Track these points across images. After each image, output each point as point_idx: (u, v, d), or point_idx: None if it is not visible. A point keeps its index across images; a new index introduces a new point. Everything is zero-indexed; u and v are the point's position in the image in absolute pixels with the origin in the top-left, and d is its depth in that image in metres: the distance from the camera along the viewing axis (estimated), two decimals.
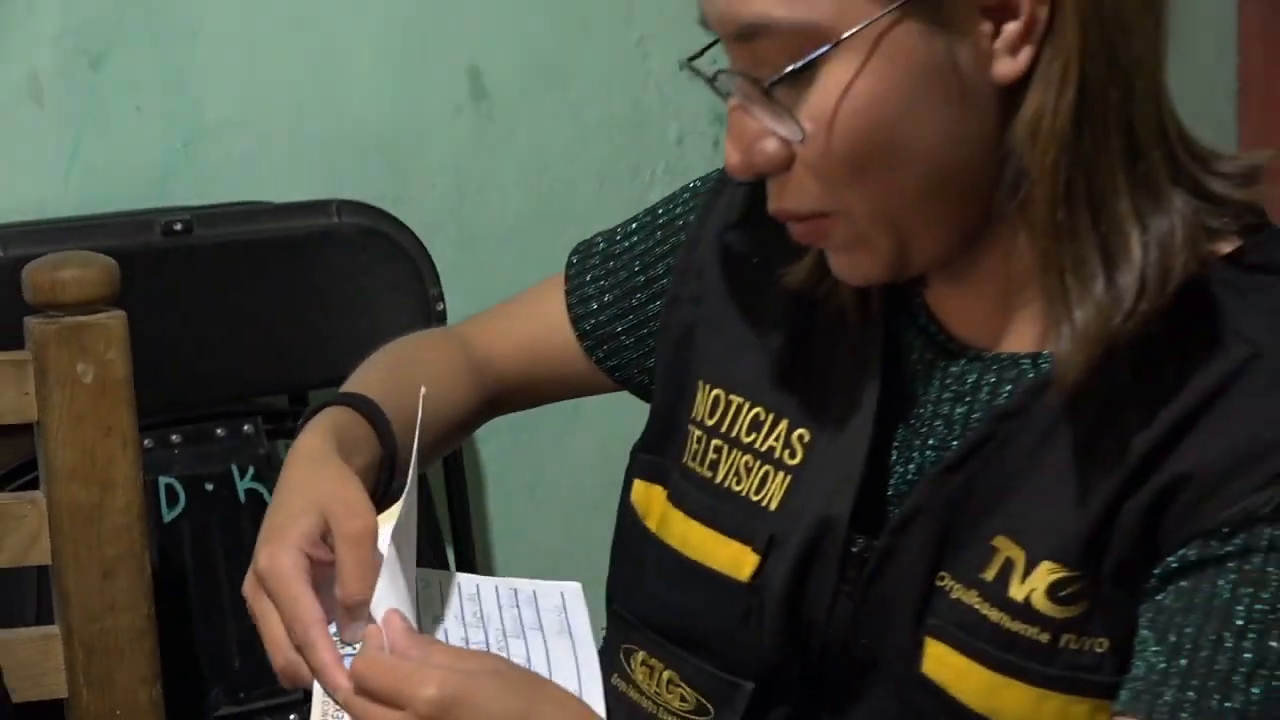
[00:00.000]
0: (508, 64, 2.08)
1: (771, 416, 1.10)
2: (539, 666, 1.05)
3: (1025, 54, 0.94)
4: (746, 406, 1.11)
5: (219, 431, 1.79)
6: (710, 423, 1.13)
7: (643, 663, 1.13)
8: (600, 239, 1.29)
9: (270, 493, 1.74)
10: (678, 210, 1.24)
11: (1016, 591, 0.99)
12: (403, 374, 1.24)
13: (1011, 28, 0.94)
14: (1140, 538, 0.96)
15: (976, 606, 1.00)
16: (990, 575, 1.00)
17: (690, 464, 1.13)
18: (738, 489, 1.10)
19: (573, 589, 1.12)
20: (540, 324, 1.30)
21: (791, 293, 1.10)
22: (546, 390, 1.34)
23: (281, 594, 1.00)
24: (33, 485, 1.48)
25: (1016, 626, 0.99)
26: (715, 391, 1.13)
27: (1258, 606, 0.92)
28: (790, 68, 0.93)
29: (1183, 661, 0.93)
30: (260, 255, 1.83)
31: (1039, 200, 0.95)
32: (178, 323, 1.75)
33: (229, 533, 1.76)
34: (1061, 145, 0.94)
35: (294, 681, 1.00)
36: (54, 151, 1.86)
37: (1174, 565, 0.94)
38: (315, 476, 1.09)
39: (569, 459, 2.02)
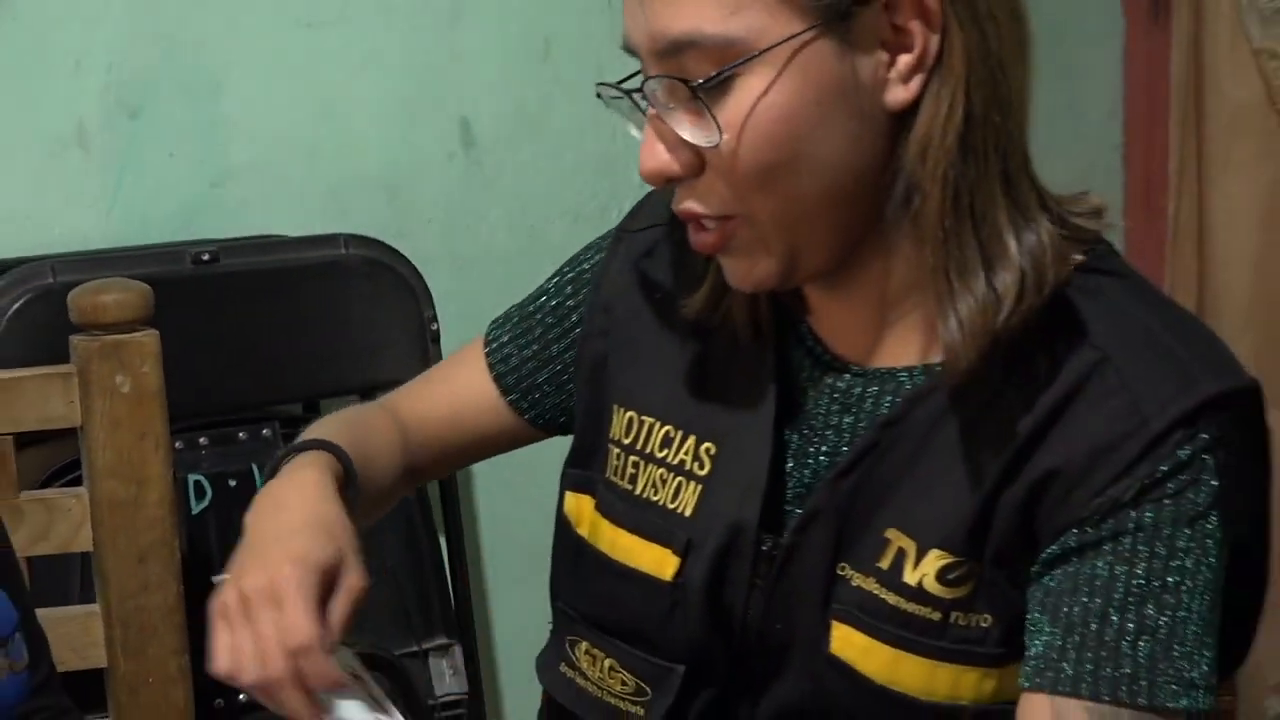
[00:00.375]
0: (494, 116, 2.07)
1: (680, 433, 1.08)
2: None
3: (916, 82, 0.94)
4: (658, 425, 1.09)
5: (241, 435, 1.77)
6: (627, 441, 1.11)
7: (586, 652, 1.11)
8: (514, 309, 1.25)
9: None
10: (584, 265, 1.21)
11: (910, 577, 0.98)
12: (355, 433, 1.20)
13: (905, 59, 0.94)
14: (1018, 526, 0.96)
15: (875, 591, 0.99)
16: (885, 564, 0.99)
17: (612, 478, 1.11)
18: (655, 499, 1.08)
19: None
20: (462, 387, 1.25)
21: (691, 322, 1.09)
22: (468, 451, 1.29)
23: (292, 609, 0.96)
24: (76, 482, 1.47)
25: (911, 607, 0.98)
26: (629, 414, 1.11)
27: (1134, 582, 0.93)
28: (715, 74, 0.92)
29: (1075, 638, 0.93)
30: (277, 282, 1.82)
31: (929, 211, 0.94)
32: (205, 340, 1.74)
33: None
34: (950, 162, 0.93)
35: (273, 698, 0.96)
36: (97, 191, 1.85)
37: (1056, 552, 0.95)
38: (332, 518, 1.05)
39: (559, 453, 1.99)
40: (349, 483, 1.11)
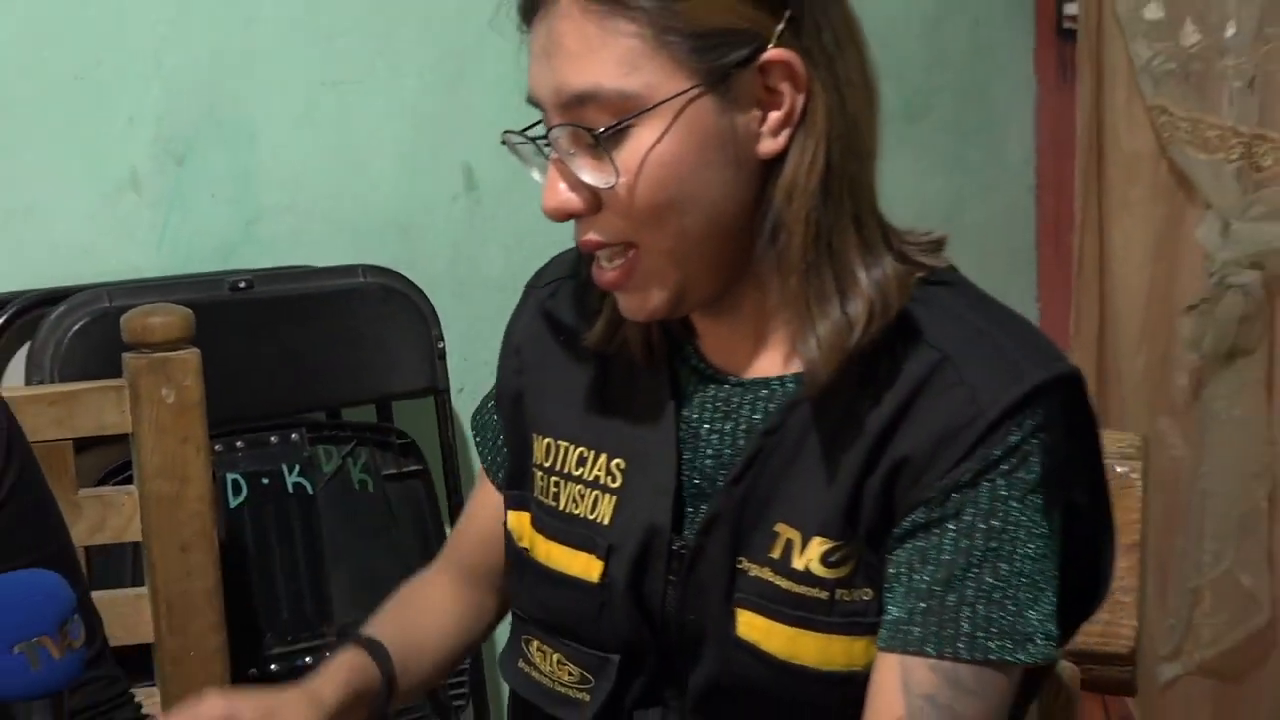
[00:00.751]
0: (493, 163, 2.06)
1: (592, 453, 1.08)
2: None
3: (784, 136, 0.95)
4: (572, 448, 1.09)
5: (272, 439, 1.76)
6: (547, 465, 1.11)
7: (537, 649, 1.11)
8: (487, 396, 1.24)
9: (311, 486, 1.74)
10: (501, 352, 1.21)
11: (798, 563, 0.98)
12: (404, 616, 1.22)
13: (775, 115, 0.95)
14: (881, 509, 0.97)
15: (770, 579, 0.99)
16: (777, 554, 0.99)
17: (540, 498, 1.11)
18: (577, 512, 1.07)
19: None
20: (481, 512, 1.23)
21: (593, 354, 1.09)
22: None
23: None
24: (128, 481, 1.46)
25: (801, 589, 0.98)
26: (546, 440, 1.11)
27: (973, 553, 0.94)
28: (614, 124, 0.93)
29: (922, 604, 0.94)
30: (304, 306, 1.81)
31: (793, 246, 0.95)
32: (240, 357, 1.73)
33: (279, 516, 1.74)
34: (812, 205, 0.95)
35: None
36: (148, 228, 1.84)
37: (906, 528, 0.96)
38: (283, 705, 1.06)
39: None
40: (380, 665, 1.14)
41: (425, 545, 1.83)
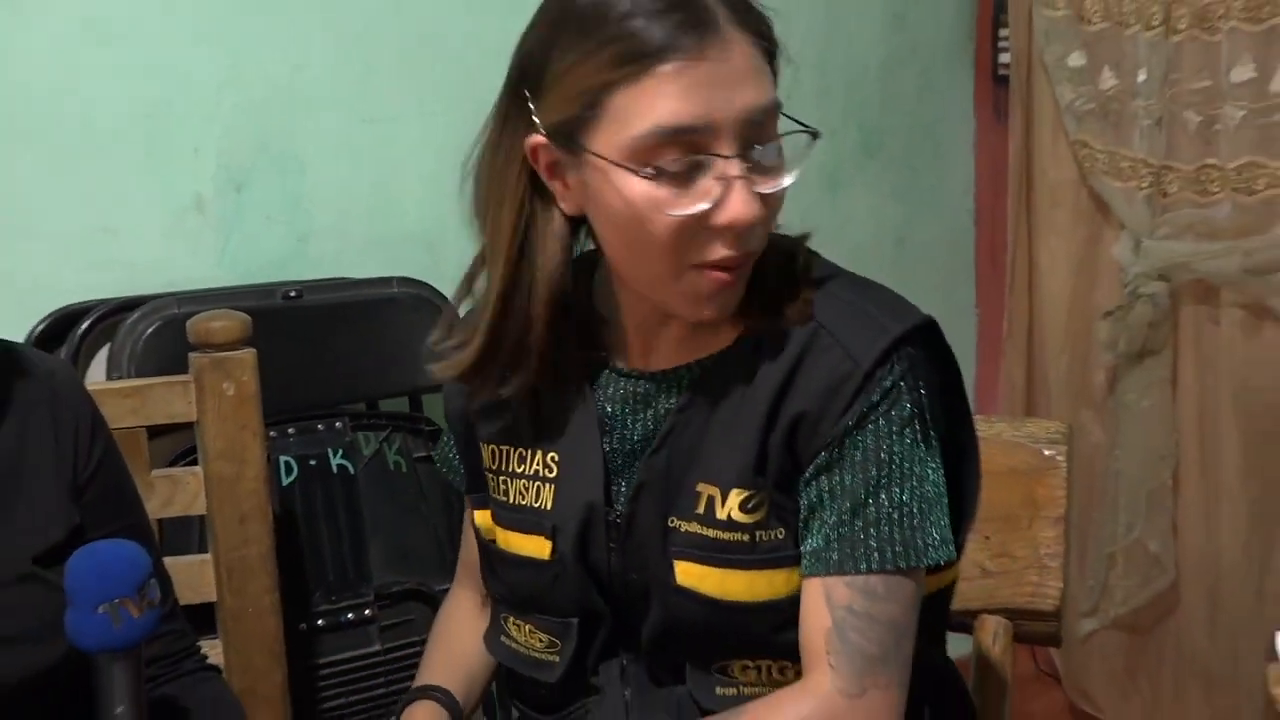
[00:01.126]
0: None
1: (530, 451, 1.08)
2: None
3: None
4: (511, 449, 1.09)
5: (319, 426, 1.76)
6: (494, 467, 1.11)
7: (513, 623, 1.11)
8: (444, 438, 1.22)
9: (352, 467, 1.73)
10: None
11: (721, 513, 0.99)
12: (451, 654, 1.22)
13: None
14: (785, 457, 0.98)
15: (699, 531, 1.00)
16: (701, 509, 1.00)
17: (494, 496, 1.11)
18: (524, 503, 1.08)
19: None
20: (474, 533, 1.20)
21: (509, 383, 1.05)
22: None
23: None
24: (193, 463, 1.46)
25: (726, 536, 0.99)
26: (491, 446, 1.11)
27: (870, 484, 0.95)
28: (804, 126, 0.95)
29: (834, 534, 0.96)
30: (346, 312, 1.81)
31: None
32: (291, 356, 1.72)
33: (325, 493, 1.73)
34: None
35: None
36: (211, 245, 1.83)
37: (812, 471, 0.97)
38: None
39: None
40: (454, 715, 1.15)
41: (449, 518, 1.82)
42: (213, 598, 1.44)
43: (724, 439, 0.99)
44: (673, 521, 1.01)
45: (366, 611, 1.71)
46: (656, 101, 0.88)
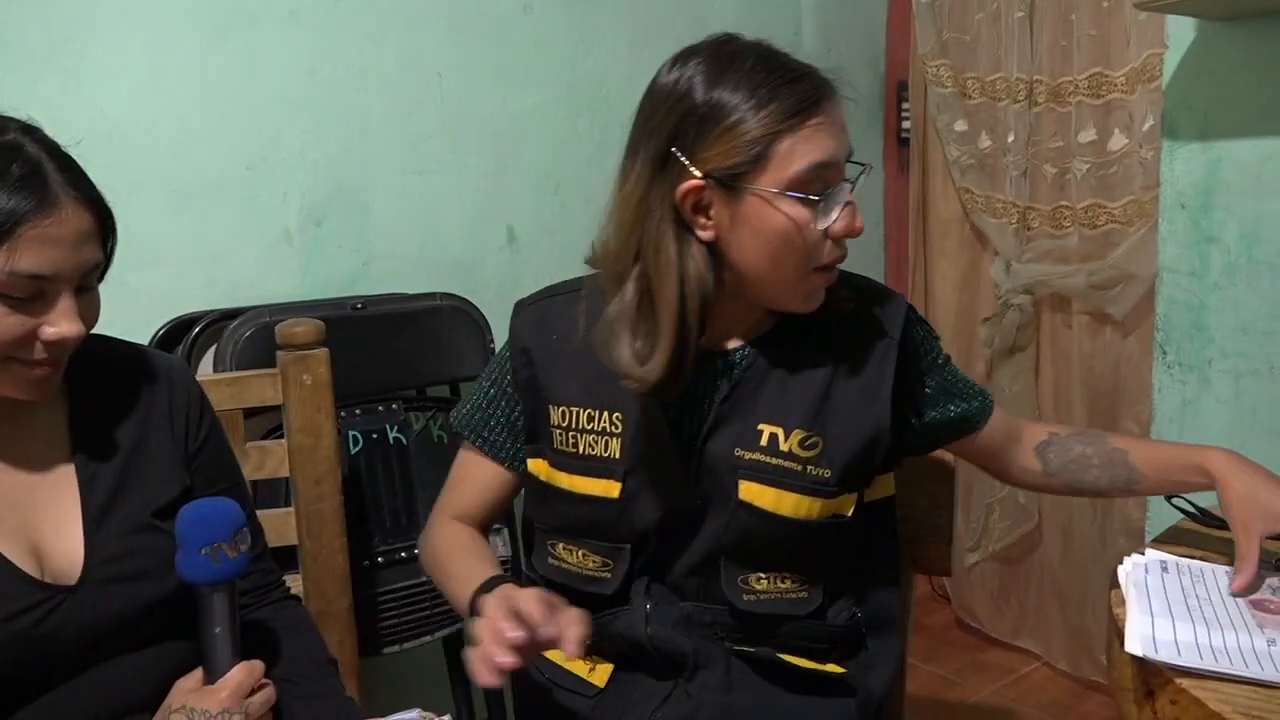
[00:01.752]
0: (526, 226, 2.04)
1: (597, 411, 1.04)
2: None
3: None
4: (581, 410, 1.05)
5: (379, 408, 1.72)
6: (564, 425, 1.06)
7: (563, 548, 1.08)
8: (465, 407, 1.16)
9: (405, 440, 1.71)
10: (502, 354, 1.14)
11: (784, 446, 0.98)
12: (464, 554, 1.10)
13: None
14: (848, 412, 1.02)
15: (761, 459, 0.99)
16: (765, 442, 0.99)
17: (560, 448, 1.07)
18: (593, 453, 1.04)
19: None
20: (479, 480, 1.15)
21: (579, 344, 1.04)
22: (497, 513, 1.18)
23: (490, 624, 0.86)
24: (280, 437, 1.42)
25: (785, 464, 0.98)
26: (561, 408, 1.06)
27: (948, 371, 1.11)
28: (864, 163, 0.99)
29: (964, 397, 1.11)
30: (401, 321, 1.77)
31: None
32: (358, 354, 1.69)
33: (384, 460, 1.70)
34: None
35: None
36: (296, 268, 1.80)
37: (923, 395, 1.09)
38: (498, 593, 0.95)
39: None
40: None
41: None
42: (294, 541, 1.41)
43: (784, 391, 1.01)
44: (738, 452, 1.00)
45: (415, 550, 1.68)
46: (811, 145, 0.93)
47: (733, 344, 1.03)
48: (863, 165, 0.98)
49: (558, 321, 1.08)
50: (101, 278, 0.93)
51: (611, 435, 1.03)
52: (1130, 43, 2.07)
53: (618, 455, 1.03)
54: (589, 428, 1.05)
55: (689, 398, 1.02)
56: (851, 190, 0.96)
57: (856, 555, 1.04)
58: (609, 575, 1.05)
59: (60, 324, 0.87)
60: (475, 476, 1.16)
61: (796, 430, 0.99)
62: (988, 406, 1.09)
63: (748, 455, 1.00)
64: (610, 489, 1.03)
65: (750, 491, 0.99)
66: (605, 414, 1.04)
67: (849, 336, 1.01)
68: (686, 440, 1.02)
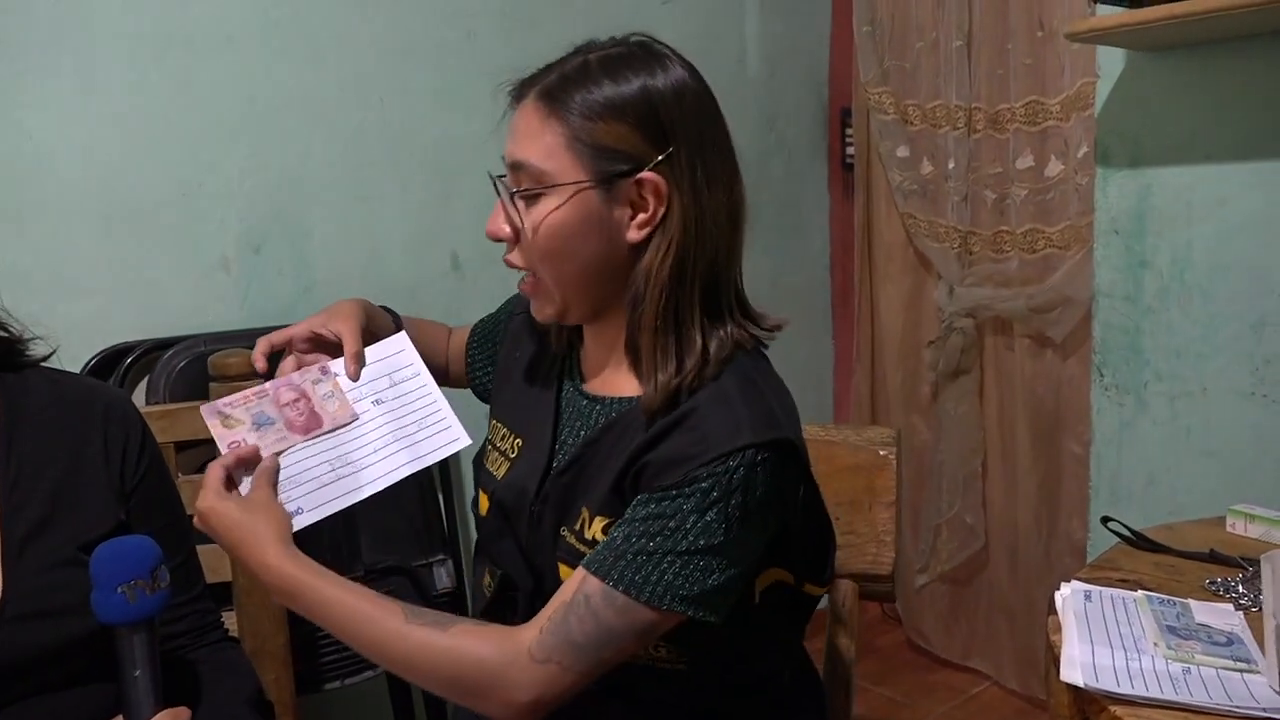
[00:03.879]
0: (472, 250, 2.02)
1: (510, 432, 1.05)
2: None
3: (644, 232, 0.91)
4: (499, 425, 1.07)
5: None
6: (490, 437, 1.09)
7: (480, 561, 1.08)
8: (488, 322, 1.21)
9: None
10: (504, 312, 1.19)
11: (589, 533, 0.92)
12: (415, 323, 1.20)
13: (641, 216, 0.91)
14: (632, 494, 0.90)
15: (574, 544, 0.93)
16: (579, 526, 0.93)
17: (482, 458, 1.09)
18: (491, 469, 1.05)
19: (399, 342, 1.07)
20: (459, 349, 1.22)
21: (529, 359, 1.07)
22: (459, 379, 1.22)
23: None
24: None
25: (588, 550, 0.91)
26: (493, 420, 1.09)
27: (667, 530, 0.85)
28: (527, 188, 0.90)
29: (619, 547, 0.86)
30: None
31: (647, 314, 0.91)
32: None
33: None
34: (663, 285, 0.90)
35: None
36: (233, 296, 1.76)
37: (635, 501, 0.88)
38: (336, 304, 1.09)
39: None
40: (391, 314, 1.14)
41: (424, 507, 1.76)
42: (229, 577, 1.37)
43: (604, 474, 0.93)
44: (562, 531, 0.95)
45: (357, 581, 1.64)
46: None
47: (616, 390, 0.98)
48: (501, 175, 0.95)
49: (529, 334, 1.10)
50: None
51: (506, 457, 1.03)
52: (1065, 71, 2.11)
53: (500, 476, 1.03)
54: (499, 445, 1.06)
55: (569, 439, 1.01)
56: (499, 193, 0.95)
57: (742, 629, 0.95)
58: (487, 594, 1.04)
59: None
60: (460, 340, 1.21)
61: (599, 516, 0.92)
62: (599, 566, 0.88)
63: (569, 537, 0.94)
64: (484, 506, 1.03)
65: (565, 574, 0.94)
66: (512, 436, 1.04)
67: (679, 428, 0.89)
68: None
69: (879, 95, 2.43)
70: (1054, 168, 2.15)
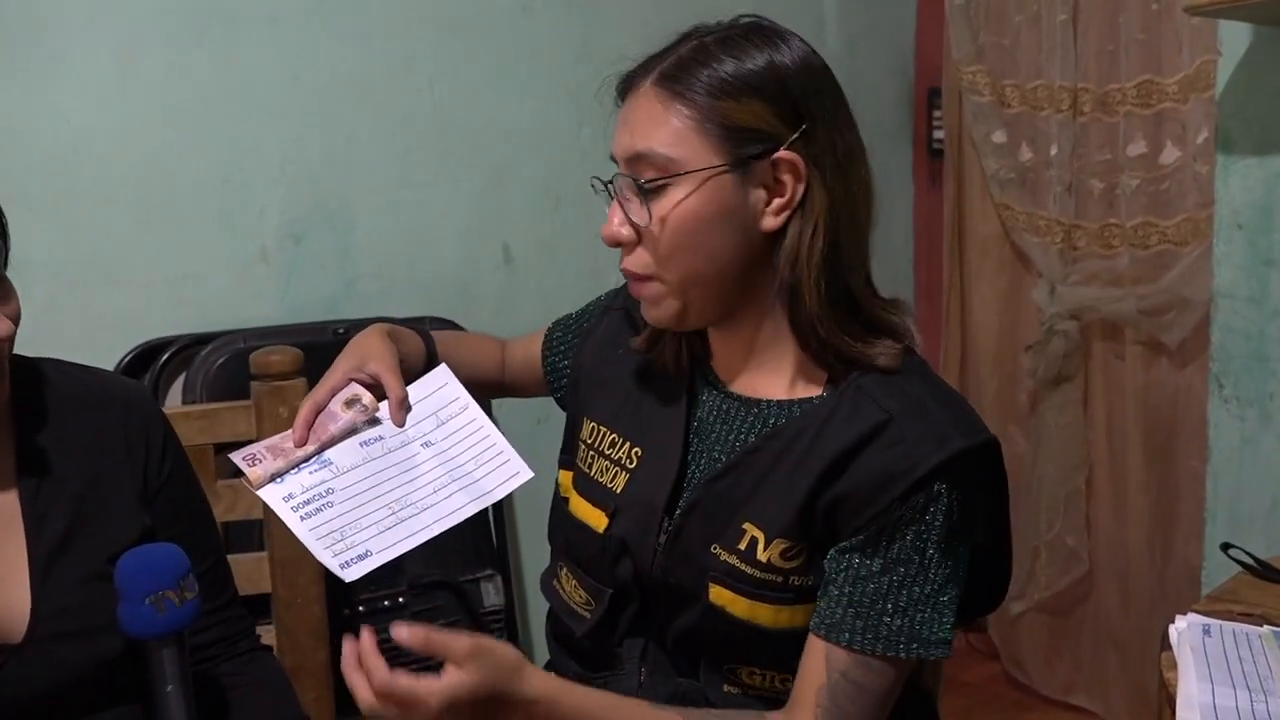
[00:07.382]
0: (524, 244, 2.04)
1: (622, 440, 1.03)
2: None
3: (783, 217, 0.90)
4: (607, 432, 1.04)
5: None
6: (590, 442, 1.06)
7: (566, 573, 1.07)
8: (570, 318, 1.20)
9: None
10: (595, 306, 1.18)
11: (762, 556, 0.92)
12: (453, 340, 1.20)
13: (777, 201, 0.90)
14: (826, 525, 0.90)
15: (737, 565, 0.93)
16: (744, 546, 0.92)
17: (580, 465, 1.06)
18: (601, 480, 1.03)
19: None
20: (531, 355, 1.20)
21: (635, 363, 1.05)
22: (524, 388, 1.23)
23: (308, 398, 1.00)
24: None
25: (762, 575, 0.92)
26: (591, 424, 1.06)
27: (896, 578, 0.88)
28: (655, 179, 0.88)
29: (853, 610, 0.89)
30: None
31: (811, 302, 0.90)
32: None
33: None
34: (819, 271, 0.89)
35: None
36: (273, 289, 1.80)
37: (845, 546, 0.89)
38: (363, 340, 1.05)
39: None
40: (422, 337, 1.11)
41: (472, 521, 1.78)
42: (268, 589, 1.38)
43: (778, 490, 0.92)
44: (715, 548, 0.94)
45: (400, 599, 1.67)
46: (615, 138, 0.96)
47: (766, 392, 0.98)
48: (612, 176, 0.93)
49: (631, 330, 1.08)
50: (5, 265, 0.92)
51: (623, 468, 1.02)
52: (1183, 48, 2.05)
53: (619, 490, 1.00)
54: (608, 452, 1.03)
55: (711, 445, 0.99)
56: (610, 195, 0.93)
57: None
58: (589, 615, 1.02)
59: None
60: (532, 347, 1.21)
61: (779, 539, 0.91)
62: (835, 634, 0.91)
63: (723, 555, 0.93)
64: (599, 521, 1.01)
65: (721, 597, 0.94)
66: (627, 445, 1.02)
67: (874, 444, 0.90)
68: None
69: (973, 74, 2.39)
70: (1170, 155, 2.10)
